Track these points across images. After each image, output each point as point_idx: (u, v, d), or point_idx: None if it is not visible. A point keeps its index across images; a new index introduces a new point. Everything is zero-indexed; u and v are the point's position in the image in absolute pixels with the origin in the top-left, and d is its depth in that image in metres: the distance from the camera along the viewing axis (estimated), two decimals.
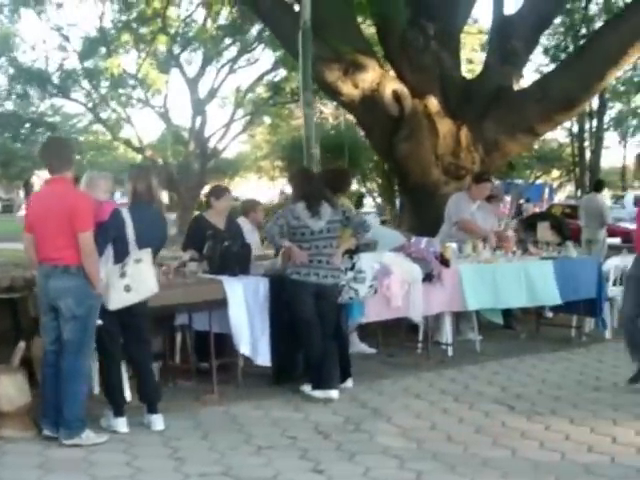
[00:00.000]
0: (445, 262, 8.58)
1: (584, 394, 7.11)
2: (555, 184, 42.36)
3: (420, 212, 11.70)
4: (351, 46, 11.29)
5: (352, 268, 7.40)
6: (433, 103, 11.70)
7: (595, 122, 36.30)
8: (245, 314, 6.91)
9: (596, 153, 35.68)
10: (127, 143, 32.49)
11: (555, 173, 42.28)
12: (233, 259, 7.22)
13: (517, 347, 9.23)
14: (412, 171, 11.78)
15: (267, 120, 37.87)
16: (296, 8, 11.30)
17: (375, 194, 25.62)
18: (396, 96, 11.46)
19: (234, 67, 30.74)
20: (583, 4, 21.39)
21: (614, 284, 9.91)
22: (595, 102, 36.63)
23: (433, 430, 6.01)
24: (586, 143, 36.42)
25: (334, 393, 6.80)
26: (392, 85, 11.48)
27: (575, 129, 37.05)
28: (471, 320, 9.17)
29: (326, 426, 6.03)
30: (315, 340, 6.88)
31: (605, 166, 44.62)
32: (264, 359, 7.01)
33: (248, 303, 6.96)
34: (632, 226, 24.74)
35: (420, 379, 7.70)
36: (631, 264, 7.53)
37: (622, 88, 35.98)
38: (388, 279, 7.89)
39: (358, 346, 8.72)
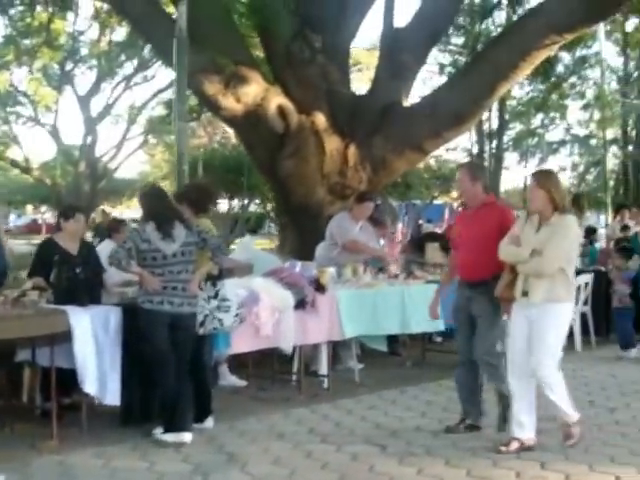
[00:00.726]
0: (320, 288, 7.99)
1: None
2: (455, 204, 42.51)
3: (304, 234, 11.11)
4: (233, 58, 10.68)
5: (215, 296, 6.73)
6: (320, 119, 11.19)
7: (495, 142, 36.60)
8: (92, 348, 6.18)
9: (495, 173, 35.97)
10: (13, 163, 31.12)
11: (455, 193, 42.49)
12: (82, 287, 6.55)
13: (400, 376, 8.70)
14: (296, 190, 11.22)
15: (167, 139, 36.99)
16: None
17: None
18: (281, 111, 10.91)
19: (130, 84, 29.87)
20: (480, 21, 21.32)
21: None
22: (495, 122, 37.01)
23: (290, 479, 5.38)
24: (486, 163, 36.66)
25: (187, 436, 6.12)
26: (277, 100, 10.92)
27: (475, 150, 37.31)
28: (351, 348, 8.63)
29: (170, 477, 5.34)
30: (168, 376, 6.21)
31: (507, 187, 45.10)
32: (113, 398, 6.28)
33: (97, 336, 6.23)
34: None
35: (288, 416, 7.07)
36: (455, 295, 6.65)
37: (522, 109, 36.31)
38: (257, 306, 7.28)
39: (228, 379, 8.13)
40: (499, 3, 16.20)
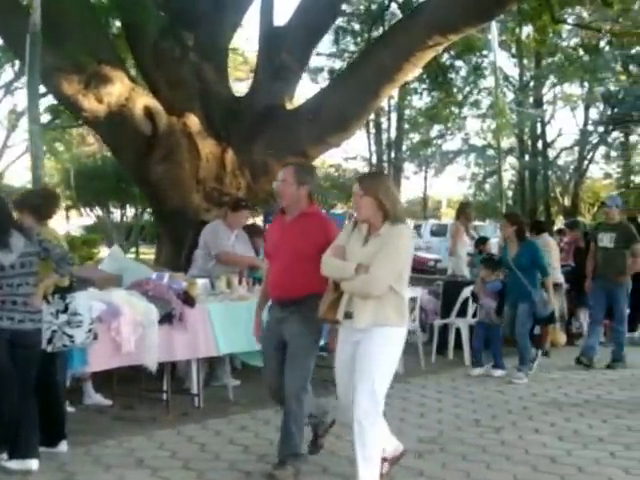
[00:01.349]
0: (190, 301, 7.26)
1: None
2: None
3: (178, 243, 10.27)
4: (95, 56, 9.82)
5: (65, 310, 5.94)
6: (193, 121, 10.46)
7: (394, 152, 36.46)
8: None
9: (395, 183, 35.81)
10: None
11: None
12: None
13: None
14: (169, 197, 10.45)
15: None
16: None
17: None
18: (148, 112, 10.11)
19: (11, 89, 28.49)
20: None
21: None
22: (393, 132, 36.86)
23: None
24: (385, 172, 36.54)
25: (33, 464, 5.39)
26: (143, 100, 10.12)
27: (374, 159, 37.10)
28: (226, 364, 7.91)
29: None
30: (10, 397, 5.41)
31: (408, 196, 45.09)
32: None
33: None
34: (428, 255, 24.87)
35: (151, 438, 6.31)
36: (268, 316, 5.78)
37: (419, 119, 36.25)
38: (117, 321, 6.53)
39: (93, 397, 7.41)
40: (389, 6, 15.71)
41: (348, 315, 4.91)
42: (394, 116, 36.67)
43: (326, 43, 23.91)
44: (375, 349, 4.81)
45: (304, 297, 5.31)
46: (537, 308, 9.06)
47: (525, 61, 33.97)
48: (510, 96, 34.90)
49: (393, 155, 36.06)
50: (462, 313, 10.16)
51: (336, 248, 5.03)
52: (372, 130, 37.12)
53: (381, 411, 4.86)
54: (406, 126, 36.63)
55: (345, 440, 5.65)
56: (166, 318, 6.97)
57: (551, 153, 36.24)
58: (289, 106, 11.46)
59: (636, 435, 6.67)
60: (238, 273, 8.29)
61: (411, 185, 46.45)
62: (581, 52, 31.91)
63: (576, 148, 36.07)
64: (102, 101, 9.77)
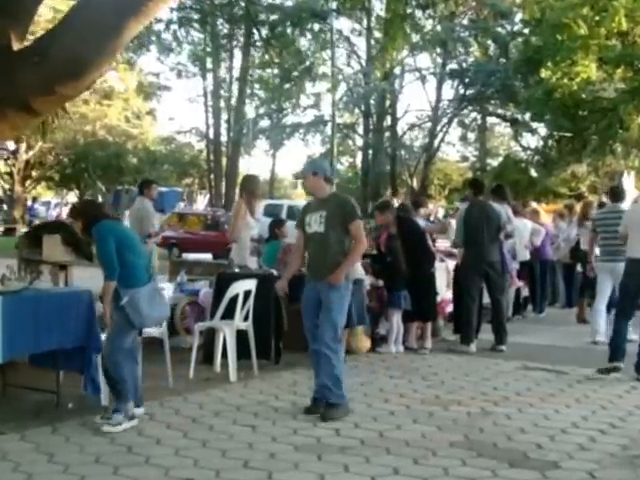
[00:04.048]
0: None
1: None
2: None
3: None
4: None
5: None
6: None
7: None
8: None
9: (233, 159, 33.09)
10: None
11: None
12: None
13: None
14: None
15: None
16: None
17: None
18: None
19: None
20: None
21: None
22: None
23: None
24: (223, 148, 33.78)
25: None
26: None
27: (211, 134, 34.30)
28: None
29: None
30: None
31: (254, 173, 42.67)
32: None
33: None
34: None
35: None
36: None
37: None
38: None
39: None
40: None
41: None
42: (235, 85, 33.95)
43: None
44: None
45: None
46: None
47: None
48: (356, 67, 32.81)
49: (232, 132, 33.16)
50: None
51: None
52: (210, 102, 34.29)
53: None
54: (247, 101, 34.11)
55: None
56: None
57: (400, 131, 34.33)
58: (18, 47, 8.58)
59: None
60: None
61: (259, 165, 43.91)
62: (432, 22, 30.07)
63: (426, 126, 34.22)
64: None
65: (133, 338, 5.69)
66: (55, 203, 36.93)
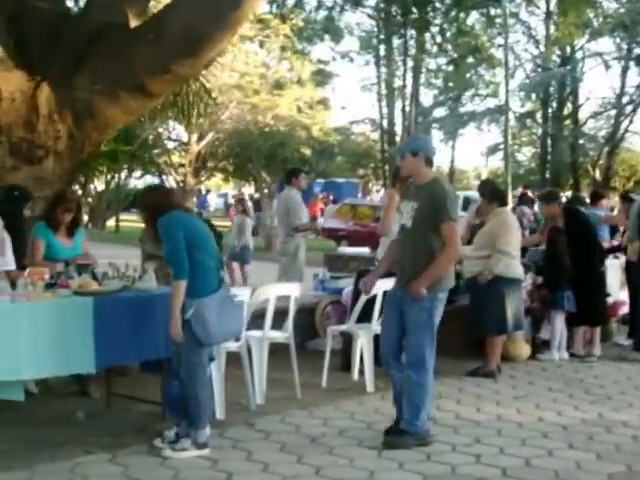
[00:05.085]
0: None
1: None
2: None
3: None
4: None
5: None
6: None
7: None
8: None
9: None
10: None
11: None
12: None
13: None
14: None
15: None
16: None
17: None
18: None
19: None
20: None
21: None
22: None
23: None
24: (398, 139, 33.11)
25: None
26: None
27: (385, 123, 33.69)
28: None
29: None
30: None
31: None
32: None
33: None
34: None
35: None
36: None
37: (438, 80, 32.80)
38: None
39: None
40: None
41: None
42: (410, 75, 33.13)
43: None
44: None
45: None
46: None
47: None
48: (534, 52, 31.31)
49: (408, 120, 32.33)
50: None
51: None
52: (384, 91, 33.63)
53: None
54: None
55: None
56: None
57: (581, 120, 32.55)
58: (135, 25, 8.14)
59: None
60: None
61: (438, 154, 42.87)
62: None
63: (610, 114, 32.26)
64: None
65: (209, 353, 4.96)
66: (232, 195, 37.42)
